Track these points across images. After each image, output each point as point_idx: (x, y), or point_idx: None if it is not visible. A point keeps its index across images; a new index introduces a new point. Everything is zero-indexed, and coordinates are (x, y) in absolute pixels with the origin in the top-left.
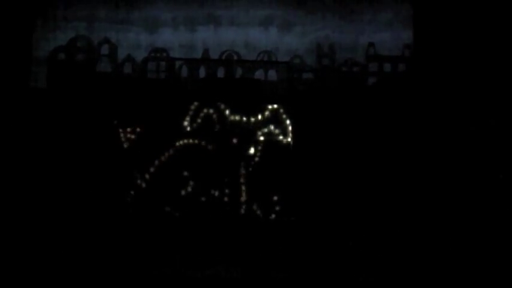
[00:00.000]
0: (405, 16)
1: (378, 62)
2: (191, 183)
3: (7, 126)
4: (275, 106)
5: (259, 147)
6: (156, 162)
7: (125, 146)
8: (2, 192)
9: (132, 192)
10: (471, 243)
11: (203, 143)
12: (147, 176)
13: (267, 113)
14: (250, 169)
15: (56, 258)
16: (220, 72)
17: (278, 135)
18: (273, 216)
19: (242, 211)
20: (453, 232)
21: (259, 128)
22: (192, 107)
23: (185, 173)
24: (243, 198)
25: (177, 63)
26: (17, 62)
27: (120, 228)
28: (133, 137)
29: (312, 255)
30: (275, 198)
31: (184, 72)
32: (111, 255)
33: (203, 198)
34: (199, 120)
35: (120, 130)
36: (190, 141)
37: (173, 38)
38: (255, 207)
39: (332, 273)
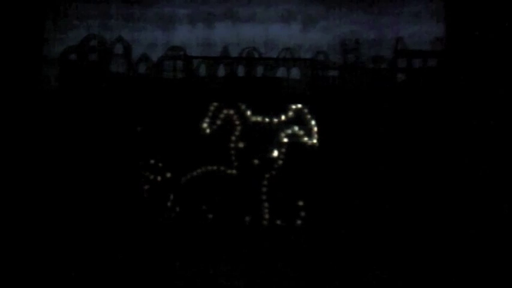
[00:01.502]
0: (436, 7)
1: (407, 58)
2: (210, 188)
3: (18, 130)
4: (299, 106)
5: (283, 150)
6: (173, 167)
7: (140, 150)
8: (13, 196)
9: (147, 198)
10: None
11: (223, 146)
12: (163, 181)
13: (290, 113)
14: (274, 173)
15: (66, 259)
16: (241, 71)
17: (302, 136)
18: (298, 223)
19: (265, 218)
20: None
21: (283, 130)
22: (211, 108)
23: (204, 178)
24: (266, 204)
25: (195, 62)
26: (26, 63)
27: (137, 236)
28: (149, 140)
29: (343, 264)
30: (300, 203)
31: (203, 71)
32: (134, 262)
33: (223, 205)
34: (218, 122)
35: (135, 134)
36: (209, 144)
37: (190, 36)
38: (278, 213)
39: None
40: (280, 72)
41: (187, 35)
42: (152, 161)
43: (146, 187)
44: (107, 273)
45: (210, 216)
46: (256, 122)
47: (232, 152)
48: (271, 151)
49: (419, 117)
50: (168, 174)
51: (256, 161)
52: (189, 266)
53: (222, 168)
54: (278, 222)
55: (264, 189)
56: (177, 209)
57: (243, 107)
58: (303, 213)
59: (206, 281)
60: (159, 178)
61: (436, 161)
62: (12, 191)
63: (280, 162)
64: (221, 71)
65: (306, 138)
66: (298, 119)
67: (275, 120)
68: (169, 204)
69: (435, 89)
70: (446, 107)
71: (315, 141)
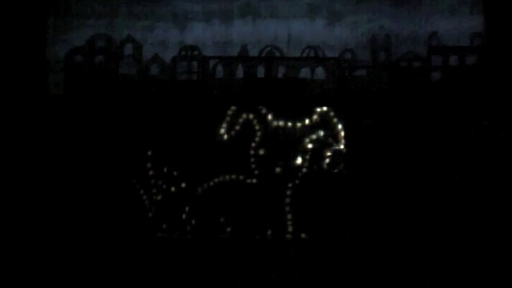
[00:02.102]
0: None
1: (443, 55)
2: (229, 199)
3: (22, 137)
4: (324, 109)
5: (307, 157)
6: (189, 176)
7: (153, 158)
8: (16, 202)
9: (160, 209)
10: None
11: (242, 153)
12: (178, 192)
13: (315, 116)
14: (297, 182)
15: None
16: (261, 72)
17: (328, 142)
18: (324, 236)
19: (289, 231)
20: None
21: (307, 135)
22: (229, 113)
23: (222, 188)
24: (290, 216)
25: (211, 63)
26: (28, 66)
27: (148, 252)
28: (162, 148)
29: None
30: (326, 215)
31: (220, 72)
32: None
33: (243, 217)
34: (237, 127)
35: (147, 140)
36: (228, 151)
37: (206, 34)
38: (303, 226)
39: None
40: (304, 72)
41: (202, 34)
42: (165, 170)
43: (159, 197)
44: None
45: (229, 229)
46: (278, 127)
47: (253, 159)
48: (295, 158)
49: (456, 120)
50: (183, 184)
51: (278, 169)
52: (206, 285)
53: (242, 177)
54: (303, 235)
55: (287, 200)
56: (193, 221)
57: (264, 110)
58: (329, 226)
59: None
60: (173, 188)
61: (476, 167)
62: (15, 196)
63: (305, 170)
64: (240, 72)
65: (332, 144)
66: (324, 123)
67: (298, 124)
68: (184, 216)
69: (474, 88)
70: (486, 108)
71: (342, 146)
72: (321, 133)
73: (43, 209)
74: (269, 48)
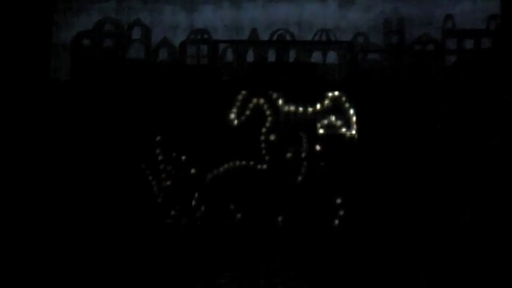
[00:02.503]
0: None
1: (457, 38)
2: (239, 185)
3: (28, 122)
4: (336, 93)
5: (319, 142)
6: (198, 162)
7: (161, 143)
8: (22, 186)
9: (169, 195)
10: None
11: (252, 138)
12: (187, 178)
13: (326, 101)
14: (308, 168)
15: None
16: (271, 56)
17: (340, 127)
18: (336, 222)
19: (300, 217)
20: None
21: (318, 120)
22: (239, 97)
23: (232, 174)
24: (302, 201)
25: (221, 46)
26: (35, 50)
27: (157, 238)
28: (171, 133)
29: (386, 268)
30: (338, 201)
31: (229, 56)
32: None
33: (253, 203)
34: (247, 112)
35: (156, 126)
36: (237, 137)
37: (215, 17)
38: (314, 212)
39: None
40: (316, 56)
41: (212, 17)
42: (174, 155)
43: (168, 183)
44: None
45: (239, 216)
46: (289, 112)
47: (263, 145)
48: (306, 144)
49: (471, 105)
50: (192, 170)
51: (289, 155)
52: (217, 271)
53: (252, 163)
54: (314, 222)
55: (298, 186)
56: (202, 208)
57: (275, 95)
58: (341, 213)
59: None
60: (182, 174)
61: (490, 151)
62: (21, 180)
63: (316, 156)
64: (250, 56)
65: (344, 129)
66: (336, 108)
67: (310, 109)
68: (193, 203)
69: (489, 72)
70: (501, 93)
71: (353, 132)
72: (333, 118)
73: (51, 194)
74: (280, 32)
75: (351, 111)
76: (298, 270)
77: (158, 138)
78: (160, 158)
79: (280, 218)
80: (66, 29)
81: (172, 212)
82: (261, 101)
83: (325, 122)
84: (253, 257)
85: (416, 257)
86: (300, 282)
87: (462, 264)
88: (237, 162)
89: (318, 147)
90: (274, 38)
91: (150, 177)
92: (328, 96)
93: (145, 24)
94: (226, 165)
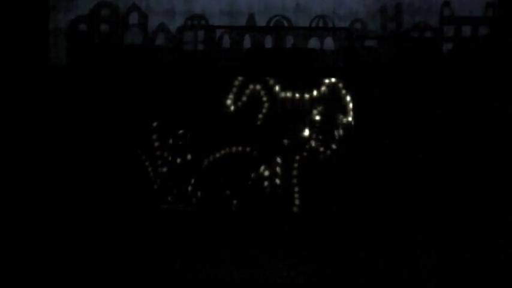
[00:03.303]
0: None
1: (455, 25)
2: (235, 171)
3: (24, 108)
4: (333, 80)
5: (315, 129)
6: (194, 148)
7: (158, 129)
8: (22, 171)
9: (165, 182)
10: None
11: (249, 125)
12: (183, 164)
13: (323, 88)
14: (305, 155)
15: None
16: (268, 42)
17: (337, 114)
18: (332, 210)
19: (296, 204)
20: None
21: (315, 107)
22: (236, 83)
23: (228, 160)
24: (297, 189)
25: (218, 32)
26: (31, 35)
27: (153, 225)
28: (167, 119)
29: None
30: (334, 189)
31: (226, 42)
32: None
33: (249, 190)
34: (244, 99)
35: (152, 111)
36: (234, 123)
37: (212, 3)
38: (310, 199)
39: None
40: (313, 42)
41: (209, 2)
42: (171, 141)
43: (164, 169)
44: (123, 265)
45: (235, 202)
46: (286, 99)
47: (259, 131)
48: (302, 130)
49: (468, 92)
50: (189, 156)
51: (285, 142)
52: (212, 258)
53: (248, 149)
54: (310, 209)
55: (295, 173)
56: (198, 194)
57: (271, 81)
58: (336, 200)
59: (232, 273)
60: (178, 160)
61: (489, 145)
62: (16, 167)
63: (312, 142)
64: (247, 42)
65: (340, 116)
66: (332, 94)
67: (306, 96)
68: (190, 189)
69: (487, 60)
70: (499, 80)
71: (350, 119)
72: (329, 105)
73: (46, 180)
74: (277, 18)
75: (348, 98)
76: (294, 260)
77: (155, 124)
78: (156, 143)
79: (276, 205)
80: (63, 14)
81: (169, 198)
82: (258, 87)
83: (322, 108)
84: (249, 243)
85: (412, 248)
86: (296, 273)
87: (458, 259)
88: (233, 149)
89: (314, 134)
90: (271, 24)
91: (147, 163)
92: (324, 82)
93: (142, 9)
94: (222, 151)
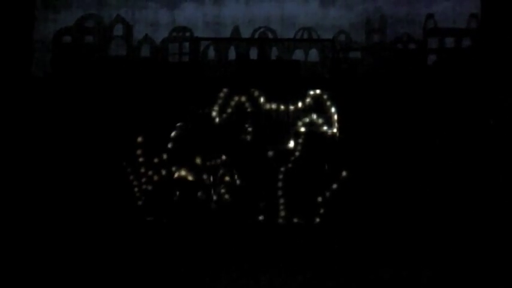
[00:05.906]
0: None
1: (439, 37)
2: (220, 183)
3: (8, 120)
4: (317, 91)
5: (300, 140)
6: (181, 158)
7: (143, 140)
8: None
9: (149, 194)
10: None
11: (234, 136)
12: (168, 176)
13: (308, 99)
14: (290, 165)
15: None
16: (253, 53)
17: (321, 125)
18: (317, 220)
19: (281, 214)
20: None
21: (300, 118)
22: (221, 95)
23: (214, 171)
24: (282, 200)
25: (203, 44)
26: (15, 46)
27: (139, 237)
28: (152, 130)
29: (365, 264)
30: (319, 199)
31: (211, 54)
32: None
33: (234, 202)
34: (229, 110)
35: (137, 123)
36: (219, 134)
37: (197, 15)
38: (295, 210)
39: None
40: (297, 54)
41: (194, 14)
42: (156, 151)
43: (149, 181)
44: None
45: (221, 214)
46: (271, 110)
47: (244, 143)
48: (287, 142)
49: (452, 103)
50: (173, 168)
51: (270, 153)
52: (198, 269)
53: (233, 160)
54: (295, 220)
55: (280, 184)
56: (183, 206)
57: (256, 93)
58: (321, 211)
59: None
60: (163, 172)
61: (472, 152)
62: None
63: (297, 153)
64: (232, 54)
65: (325, 127)
66: (317, 106)
67: (291, 107)
68: (174, 200)
69: (470, 71)
70: (482, 91)
71: (335, 130)
72: (314, 116)
73: (33, 192)
74: (262, 30)
75: (332, 109)
76: (286, 266)
77: (139, 138)
78: (140, 159)
79: (261, 217)
80: (48, 25)
81: (152, 210)
82: (243, 98)
83: (307, 120)
84: (235, 253)
85: (401, 251)
86: (290, 280)
87: (456, 256)
88: (218, 160)
89: (299, 145)
90: (256, 35)
91: (131, 176)
92: (309, 94)
93: (127, 21)
94: (208, 163)
